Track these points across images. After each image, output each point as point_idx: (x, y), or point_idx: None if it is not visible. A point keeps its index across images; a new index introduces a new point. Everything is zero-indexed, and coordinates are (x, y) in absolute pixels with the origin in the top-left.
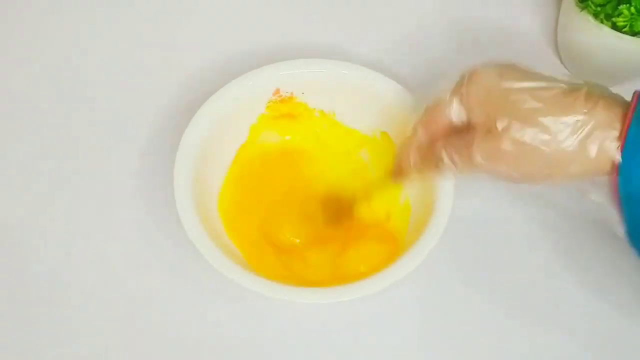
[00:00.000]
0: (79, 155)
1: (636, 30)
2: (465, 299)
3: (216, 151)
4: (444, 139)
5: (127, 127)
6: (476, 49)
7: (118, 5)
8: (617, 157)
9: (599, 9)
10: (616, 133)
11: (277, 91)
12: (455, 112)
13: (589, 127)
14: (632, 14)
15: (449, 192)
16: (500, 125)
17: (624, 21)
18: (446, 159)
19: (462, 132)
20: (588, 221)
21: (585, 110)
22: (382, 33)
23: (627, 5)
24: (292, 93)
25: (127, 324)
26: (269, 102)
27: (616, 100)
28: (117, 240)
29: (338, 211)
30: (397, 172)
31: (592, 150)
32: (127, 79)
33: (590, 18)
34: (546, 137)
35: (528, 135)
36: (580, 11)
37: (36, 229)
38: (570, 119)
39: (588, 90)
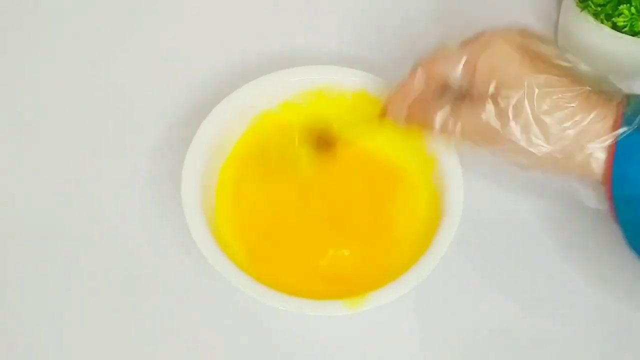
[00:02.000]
0: (95, 154)
1: (636, 30)
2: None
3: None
4: (439, 99)
5: (138, 128)
6: None
7: (128, 11)
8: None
9: (599, 8)
10: (607, 137)
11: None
12: (460, 71)
13: (578, 128)
14: (633, 14)
15: (459, 193)
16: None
17: (624, 21)
18: (438, 125)
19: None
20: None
21: (580, 115)
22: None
23: (628, 5)
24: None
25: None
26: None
27: (611, 98)
28: (124, 233)
29: (325, 139)
30: (384, 113)
31: (578, 154)
32: (141, 81)
33: (590, 18)
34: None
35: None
36: (581, 11)
37: (55, 219)
38: (567, 118)
39: (590, 89)
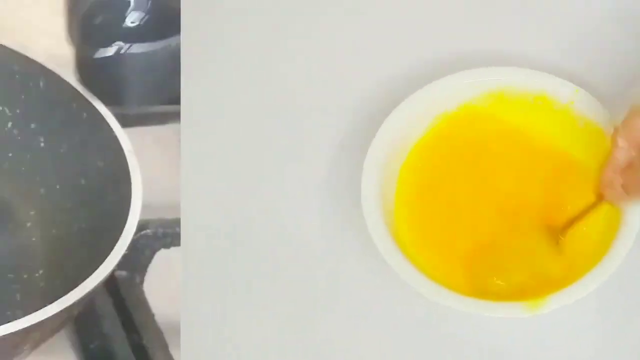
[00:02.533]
0: (273, 155)
1: None
2: None
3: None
4: None
5: (322, 124)
6: None
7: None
8: None
9: None
10: None
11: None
12: None
13: None
14: None
15: None
16: None
17: None
18: None
19: None
20: None
21: None
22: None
23: None
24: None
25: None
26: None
27: None
28: (302, 236)
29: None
30: (602, 197)
31: None
32: (325, 79)
33: None
34: None
35: None
36: None
37: (236, 222)
38: None
39: None
